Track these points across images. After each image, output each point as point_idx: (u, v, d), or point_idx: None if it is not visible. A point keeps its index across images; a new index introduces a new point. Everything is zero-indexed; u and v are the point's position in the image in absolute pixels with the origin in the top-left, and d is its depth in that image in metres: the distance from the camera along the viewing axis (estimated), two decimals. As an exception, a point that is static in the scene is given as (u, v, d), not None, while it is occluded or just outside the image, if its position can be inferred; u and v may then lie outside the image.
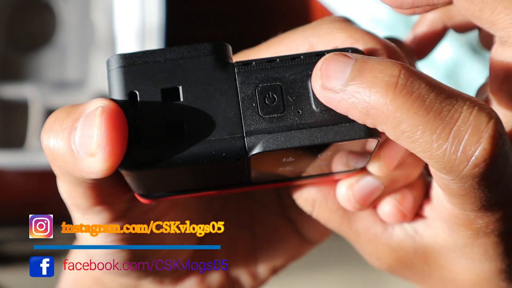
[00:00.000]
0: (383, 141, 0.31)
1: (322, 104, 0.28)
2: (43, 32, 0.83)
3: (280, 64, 0.28)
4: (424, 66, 0.73)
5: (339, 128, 0.27)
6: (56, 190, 0.81)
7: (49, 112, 0.77)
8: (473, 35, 0.79)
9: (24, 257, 0.98)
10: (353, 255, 0.36)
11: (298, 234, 0.41)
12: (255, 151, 0.27)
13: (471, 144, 0.25)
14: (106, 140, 0.26)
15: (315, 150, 0.29)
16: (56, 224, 0.77)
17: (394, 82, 0.25)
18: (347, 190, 0.33)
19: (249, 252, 0.40)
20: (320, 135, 0.27)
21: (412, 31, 0.40)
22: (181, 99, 0.27)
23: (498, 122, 0.25)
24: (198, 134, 0.27)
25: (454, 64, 0.76)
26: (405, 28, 0.73)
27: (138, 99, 0.27)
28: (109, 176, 0.29)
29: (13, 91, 0.78)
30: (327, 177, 0.33)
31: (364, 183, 0.33)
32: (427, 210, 0.34)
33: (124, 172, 0.28)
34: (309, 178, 0.33)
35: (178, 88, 0.28)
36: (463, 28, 0.38)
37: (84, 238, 0.34)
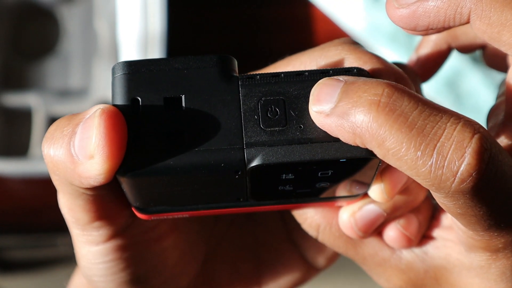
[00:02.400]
0: (385, 166, 0.31)
1: None
2: (47, 40, 0.83)
3: (284, 80, 0.28)
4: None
5: (341, 145, 0.27)
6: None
7: (52, 120, 0.77)
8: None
9: (26, 264, 0.98)
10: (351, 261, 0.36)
11: (303, 259, 0.40)
12: (254, 163, 0.27)
13: (455, 160, 0.25)
14: (105, 140, 0.26)
15: (315, 167, 0.28)
16: (58, 232, 0.77)
17: (377, 100, 0.26)
18: (349, 217, 0.32)
19: (253, 278, 0.39)
20: (321, 151, 0.27)
21: (416, 52, 0.39)
22: (183, 108, 0.27)
23: (483, 137, 0.25)
24: (198, 143, 0.27)
25: (454, 73, 0.76)
26: (405, 37, 0.74)
27: (140, 105, 0.27)
28: (108, 189, 0.29)
29: (16, 99, 0.78)
30: (329, 202, 0.33)
31: (366, 211, 0.32)
32: (436, 231, 0.33)
33: (121, 179, 0.28)
34: (310, 202, 0.33)
35: (181, 97, 0.28)
36: (467, 49, 0.38)
37: (84, 257, 0.33)
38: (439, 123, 0.25)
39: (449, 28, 0.29)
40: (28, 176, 0.77)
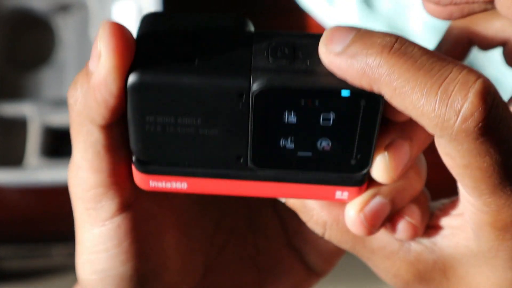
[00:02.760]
0: (388, 143, 0.31)
1: None
2: (42, 50, 0.83)
3: (297, 35, 0.30)
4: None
5: (345, 83, 0.29)
6: (54, 208, 0.81)
7: (47, 130, 0.77)
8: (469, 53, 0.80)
9: (20, 274, 0.98)
10: (355, 266, 0.36)
11: (304, 265, 0.40)
12: (259, 85, 0.28)
13: (459, 98, 0.26)
14: (110, 36, 0.28)
15: (318, 105, 0.29)
16: (53, 242, 0.77)
17: (390, 45, 0.27)
18: (358, 213, 0.32)
19: None
20: (325, 81, 0.29)
21: (437, 49, 0.40)
22: (198, 44, 0.30)
23: (487, 82, 0.26)
24: (207, 64, 0.29)
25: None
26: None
27: (156, 36, 0.30)
28: (119, 144, 0.31)
29: (12, 109, 0.78)
30: (329, 186, 0.32)
31: (374, 203, 0.32)
32: (444, 220, 0.34)
33: (129, 89, 0.29)
34: (310, 183, 0.32)
35: (198, 35, 0.30)
36: (488, 45, 0.38)
37: (86, 247, 0.33)
38: (446, 67, 0.27)
39: (471, 8, 0.30)
40: (23, 186, 0.77)
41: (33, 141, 0.76)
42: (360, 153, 0.31)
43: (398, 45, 0.27)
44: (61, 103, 0.79)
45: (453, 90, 0.26)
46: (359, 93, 0.29)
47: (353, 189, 0.33)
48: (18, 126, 0.79)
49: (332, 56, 0.28)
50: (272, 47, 0.29)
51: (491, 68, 0.78)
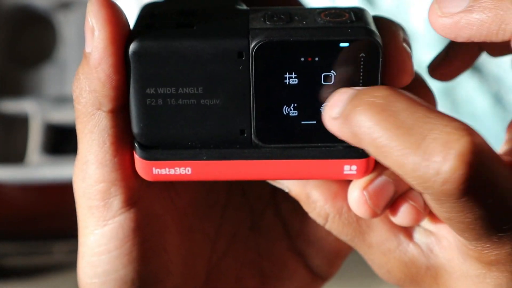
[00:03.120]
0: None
1: (327, 19, 0.30)
2: (44, 47, 0.83)
3: (292, 7, 0.31)
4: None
5: (343, 29, 0.29)
6: (56, 205, 0.81)
7: (49, 127, 0.77)
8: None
9: (21, 271, 0.98)
10: (355, 264, 0.36)
11: (308, 269, 0.39)
12: (257, 40, 0.29)
13: (438, 160, 0.25)
14: (99, 8, 0.28)
15: (318, 61, 0.30)
16: (56, 239, 0.77)
17: (372, 101, 0.27)
18: (361, 192, 0.32)
19: None
20: (322, 33, 0.29)
21: (445, 50, 0.39)
22: (195, 15, 0.30)
23: (472, 140, 0.25)
24: (206, 28, 0.30)
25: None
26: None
27: (155, 12, 0.31)
28: (124, 133, 0.31)
29: (13, 106, 0.78)
30: (336, 160, 0.32)
31: (378, 182, 0.32)
32: (445, 231, 0.34)
33: (131, 57, 0.29)
34: (317, 158, 0.32)
35: (195, 11, 0.31)
36: (499, 52, 0.38)
37: (89, 249, 0.33)
38: (428, 124, 0.26)
39: (490, 42, 0.30)
40: (25, 183, 0.77)
41: (35, 138, 0.76)
42: None
43: (381, 100, 0.27)
44: (63, 100, 0.79)
45: (433, 151, 0.25)
46: (357, 44, 0.29)
47: (361, 162, 0.32)
48: (20, 123, 0.79)
49: (331, 121, 0.28)
50: (269, 15, 0.30)
51: (494, 65, 0.78)
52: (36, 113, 0.77)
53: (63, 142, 0.79)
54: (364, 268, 0.38)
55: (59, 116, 0.76)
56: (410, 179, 0.26)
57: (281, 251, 0.39)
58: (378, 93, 0.27)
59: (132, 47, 0.29)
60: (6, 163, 0.76)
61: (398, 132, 0.26)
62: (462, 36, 0.30)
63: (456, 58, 0.38)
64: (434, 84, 0.78)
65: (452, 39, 0.30)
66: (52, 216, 0.78)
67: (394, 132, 0.26)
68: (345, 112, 0.28)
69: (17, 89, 0.81)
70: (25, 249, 0.80)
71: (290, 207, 0.38)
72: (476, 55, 0.38)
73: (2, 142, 0.79)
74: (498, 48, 0.37)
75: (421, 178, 0.26)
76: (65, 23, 0.82)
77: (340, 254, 0.38)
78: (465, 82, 0.77)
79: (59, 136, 0.79)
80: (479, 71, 0.78)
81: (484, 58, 0.78)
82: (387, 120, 0.26)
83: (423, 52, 0.76)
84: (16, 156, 0.78)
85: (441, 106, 0.76)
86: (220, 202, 0.38)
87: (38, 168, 0.75)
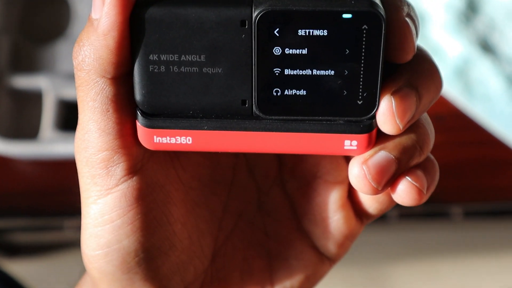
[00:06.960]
0: (396, 90, 0.31)
1: None
2: (57, 24, 0.83)
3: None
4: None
5: (347, 0, 0.29)
6: (68, 180, 0.82)
7: (62, 103, 0.78)
8: (483, 31, 0.79)
9: (32, 248, 0.99)
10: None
11: (315, 250, 0.38)
12: (261, 8, 0.29)
13: None
14: None
15: (321, 36, 0.30)
16: (66, 215, 0.78)
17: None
18: (361, 166, 0.32)
19: (265, 274, 0.39)
20: (325, 3, 0.29)
21: None
22: None
23: None
24: (210, 3, 0.30)
25: (463, 61, 0.75)
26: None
27: None
28: (127, 102, 0.31)
29: (27, 81, 0.79)
30: (336, 131, 0.32)
31: (378, 157, 0.32)
32: None
33: (137, 24, 0.29)
34: (318, 131, 0.32)
35: None
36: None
37: (92, 219, 0.33)
38: None
39: None
40: (38, 159, 0.78)
41: (48, 114, 0.77)
42: (367, 91, 0.31)
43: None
44: (76, 77, 0.79)
45: None
46: (360, 15, 0.29)
47: (362, 137, 0.32)
48: (33, 99, 0.79)
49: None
50: None
51: (507, 47, 0.77)
52: (50, 89, 0.77)
53: (76, 118, 0.80)
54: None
55: (72, 92, 0.77)
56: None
57: (288, 231, 0.39)
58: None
59: (136, 12, 0.29)
60: (19, 138, 0.76)
61: None
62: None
63: None
64: (446, 65, 0.78)
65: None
66: (64, 191, 0.79)
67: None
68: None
69: (30, 65, 0.81)
70: (36, 224, 0.81)
71: (296, 185, 0.38)
72: None
73: (16, 117, 0.79)
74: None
75: None
76: (79, 0, 0.82)
77: (347, 235, 0.38)
78: (479, 63, 0.77)
79: (72, 112, 0.79)
80: (492, 52, 0.77)
81: (498, 39, 0.78)
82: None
83: (436, 33, 0.75)
84: (30, 131, 0.78)
85: (454, 88, 0.75)
86: (226, 179, 0.38)
87: (51, 143, 0.75)
